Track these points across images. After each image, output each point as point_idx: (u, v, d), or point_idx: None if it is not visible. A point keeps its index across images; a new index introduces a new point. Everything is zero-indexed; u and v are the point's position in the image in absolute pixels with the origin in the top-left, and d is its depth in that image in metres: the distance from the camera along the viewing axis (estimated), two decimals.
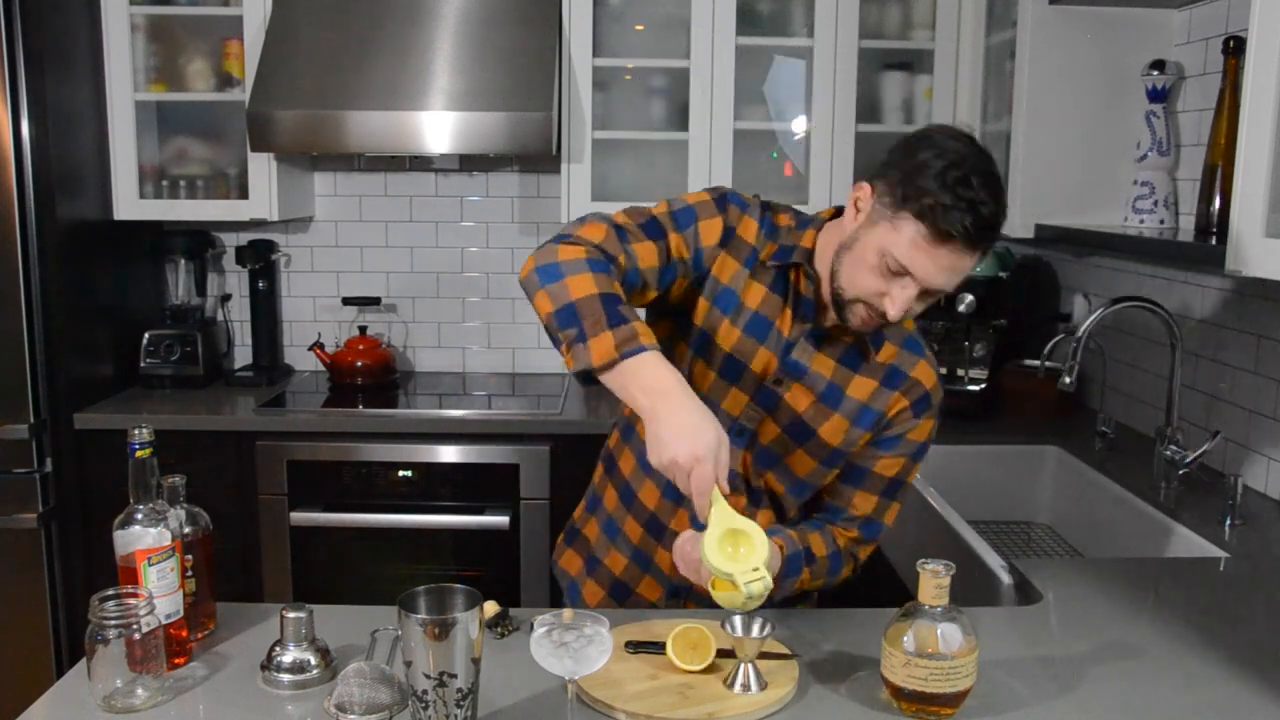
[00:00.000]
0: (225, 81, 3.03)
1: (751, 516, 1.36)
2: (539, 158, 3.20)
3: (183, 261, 3.17)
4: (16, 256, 2.60)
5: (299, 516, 2.77)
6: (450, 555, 2.79)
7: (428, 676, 1.11)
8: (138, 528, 1.29)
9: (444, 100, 2.75)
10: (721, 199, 1.48)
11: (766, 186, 2.97)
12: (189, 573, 1.36)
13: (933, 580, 1.20)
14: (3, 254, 2.59)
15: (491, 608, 1.40)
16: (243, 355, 3.33)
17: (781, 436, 1.49)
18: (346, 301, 3.27)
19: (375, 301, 3.28)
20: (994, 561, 1.76)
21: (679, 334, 1.49)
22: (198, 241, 3.18)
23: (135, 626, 1.21)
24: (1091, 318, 2.13)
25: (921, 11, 2.98)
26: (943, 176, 1.28)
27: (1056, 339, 2.56)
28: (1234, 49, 2.03)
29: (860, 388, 1.48)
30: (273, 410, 2.86)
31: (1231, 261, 1.45)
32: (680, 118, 3.00)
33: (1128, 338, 2.60)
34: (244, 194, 3.01)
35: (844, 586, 1.59)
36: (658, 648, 1.32)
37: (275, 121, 2.73)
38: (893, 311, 1.34)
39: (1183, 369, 2.19)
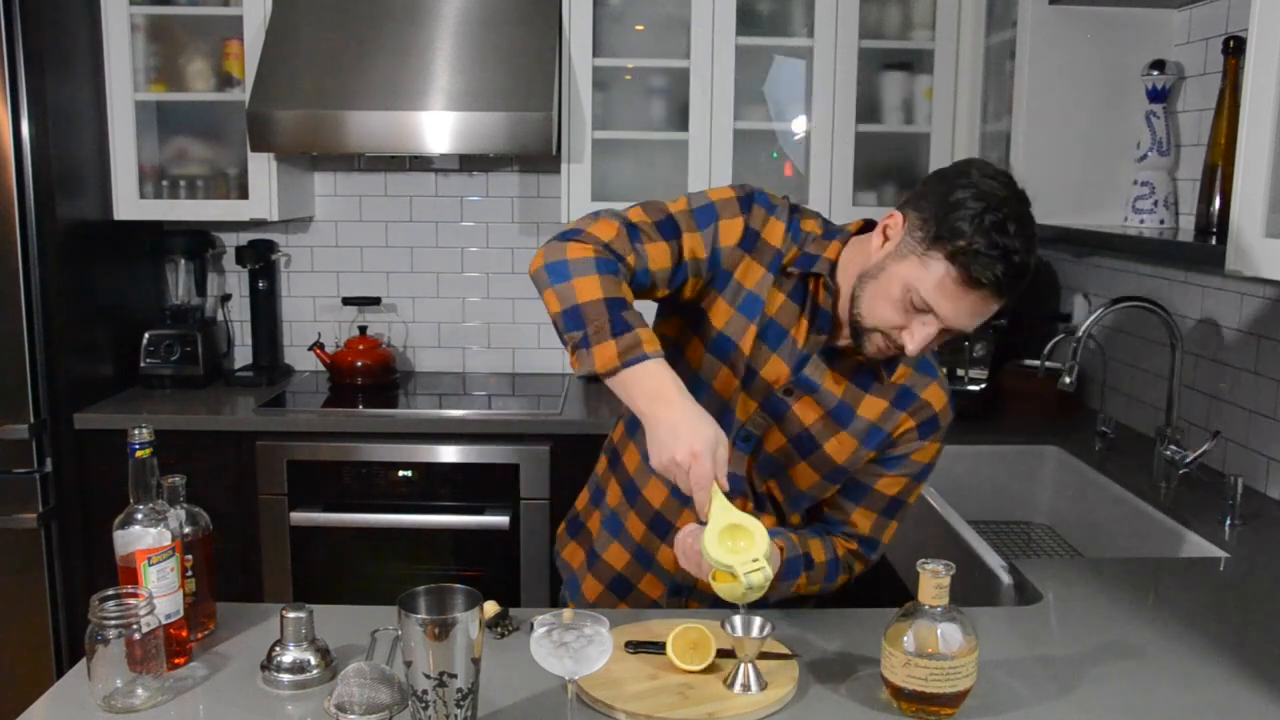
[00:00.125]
0: (225, 81, 3.03)
1: (754, 517, 1.36)
2: (539, 158, 3.20)
3: (183, 261, 3.17)
4: (16, 256, 2.60)
5: (299, 516, 2.77)
6: (450, 555, 2.79)
7: (428, 676, 1.11)
8: (138, 528, 1.29)
9: (444, 100, 2.75)
10: (747, 198, 1.45)
11: (766, 187, 2.97)
12: (189, 573, 1.36)
13: (933, 580, 1.20)
14: (3, 254, 2.59)
15: (491, 608, 1.40)
16: (243, 355, 3.33)
17: (786, 447, 1.48)
18: (346, 301, 3.27)
19: (375, 301, 3.28)
20: (994, 561, 1.76)
21: (692, 332, 1.47)
22: (198, 241, 3.18)
23: (135, 626, 1.21)
24: (1091, 318, 2.13)
25: (921, 11, 2.98)
26: (979, 220, 1.25)
27: (1056, 339, 2.56)
28: (1234, 49, 2.03)
29: (871, 408, 1.47)
30: (273, 410, 2.86)
31: (1231, 261, 1.45)
32: (680, 118, 3.00)
33: (1128, 338, 2.60)
34: (244, 194, 3.01)
35: (844, 586, 1.58)
36: (658, 648, 1.32)
37: (275, 121, 2.73)
38: (911, 346, 1.33)
39: (1183, 369, 2.19)
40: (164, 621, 1.27)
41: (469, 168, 3.30)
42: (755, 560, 1.23)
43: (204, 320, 3.20)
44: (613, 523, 1.62)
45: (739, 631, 1.26)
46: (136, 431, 1.29)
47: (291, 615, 1.29)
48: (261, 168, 2.96)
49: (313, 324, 3.35)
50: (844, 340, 1.43)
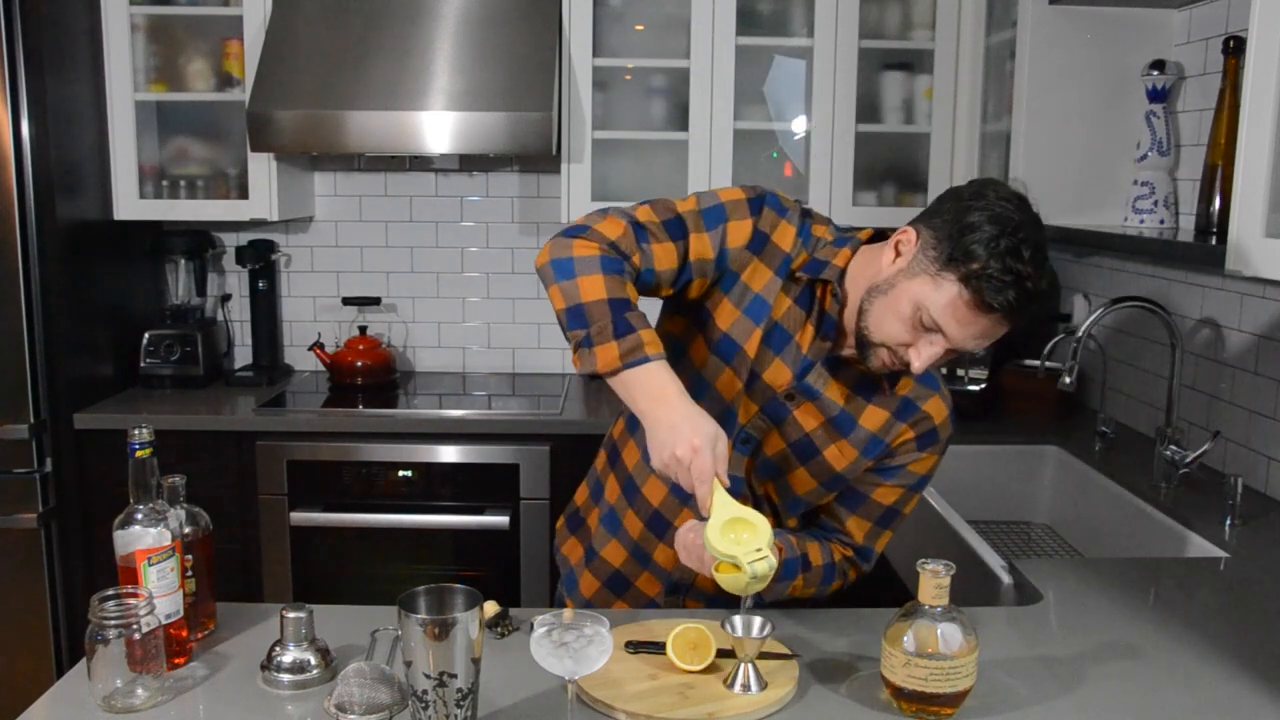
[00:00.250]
0: (225, 81, 3.03)
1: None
2: (539, 158, 3.20)
3: (183, 261, 3.17)
4: (16, 256, 2.60)
5: (299, 516, 2.77)
6: (450, 555, 2.79)
7: (428, 676, 1.11)
8: (138, 528, 1.29)
9: (444, 100, 2.75)
10: (757, 200, 1.44)
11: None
12: (189, 573, 1.36)
13: (933, 580, 1.20)
14: (3, 254, 2.59)
15: (491, 608, 1.40)
16: (243, 355, 3.33)
17: (785, 451, 1.47)
18: (346, 301, 3.27)
19: (375, 301, 3.28)
20: (994, 561, 1.76)
21: (697, 331, 1.46)
22: (198, 241, 3.18)
23: (135, 626, 1.21)
24: (1091, 318, 2.14)
25: (921, 11, 2.98)
26: (994, 244, 1.24)
27: (1056, 339, 2.56)
28: (1234, 49, 2.03)
29: (872, 418, 1.46)
30: (273, 410, 2.86)
31: (1231, 261, 1.45)
32: (680, 118, 3.00)
33: (1128, 338, 2.60)
34: (244, 194, 3.01)
35: (838, 592, 1.58)
36: (658, 648, 1.32)
37: (275, 121, 2.73)
38: (917, 364, 1.33)
39: (1183, 369, 2.19)
40: (164, 621, 1.27)
41: (469, 168, 3.30)
42: (759, 550, 1.23)
43: (204, 320, 3.20)
44: (611, 520, 1.61)
45: (739, 631, 1.26)
46: (136, 431, 1.29)
47: (291, 615, 1.29)
48: (261, 168, 2.96)
49: (313, 324, 3.35)
50: (848, 351, 1.42)
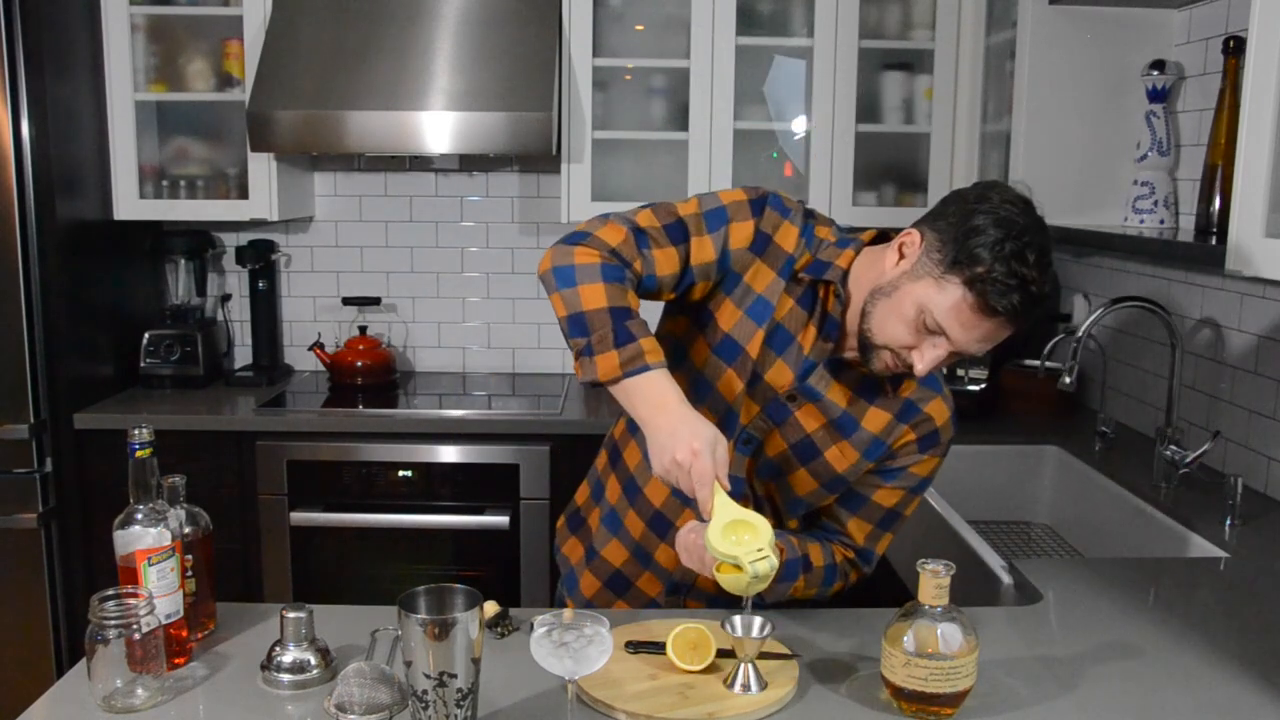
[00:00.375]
0: (225, 81, 3.03)
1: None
2: (539, 158, 3.20)
3: (183, 261, 3.17)
4: (16, 256, 2.60)
5: (299, 516, 2.77)
6: (450, 555, 2.79)
7: (428, 676, 1.11)
8: (138, 528, 1.29)
9: (444, 100, 2.75)
10: (759, 201, 1.44)
11: (766, 187, 2.97)
12: (189, 573, 1.36)
13: (933, 580, 1.20)
14: (3, 254, 2.59)
15: (491, 608, 1.40)
16: (243, 355, 3.33)
17: (786, 452, 1.47)
18: (346, 301, 3.27)
19: (375, 301, 3.28)
20: (994, 561, 1.76)
21: (698, 332, 1.46)
22: (198, 241, 3.18)
23: (135, 626, 1.21)
24: (1091, 318, 2.14)
25: (921, 11, 2.98)
26: (999, 247, 1.24)
27: (1056, 339, 2.56)
28: (1234, 49, 2.03)
29: (874, 420, 1.46)
30: (273, 410, 2.86)
31: (1231, 261, 1.45)
32: (680, 118, 3.00)
33: (1128, 338, 2.60)
34: (244, 194, 3.01)
35: (838, 593, 1.58)
36: (658, 648, 1.32)
37: (275, 121, 2.73)
38: (920, 367, 1.33)
39: (1183, 369, 2.19)
40: (164, 621, 1.27)
41: (469, 168, 3.30)
42: (760, 549, 1.23)
43: (204, 320, 3.20)
44: (612, 520, 1.61)
45: (739, 631, 1.26)
46: (136, 431, 1.29)
47: (291, 615, 1.29)
48: (261, 168, 2.96)
49: (313, 324, 3.35)
50: (850, 353, 1.42)
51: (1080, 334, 2.14)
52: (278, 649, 1.29)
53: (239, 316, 3.34)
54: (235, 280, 3.32)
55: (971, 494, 2.40)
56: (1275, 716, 1.24)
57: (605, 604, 1.63)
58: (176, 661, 1.32)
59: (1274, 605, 1.60)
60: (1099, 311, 2.15)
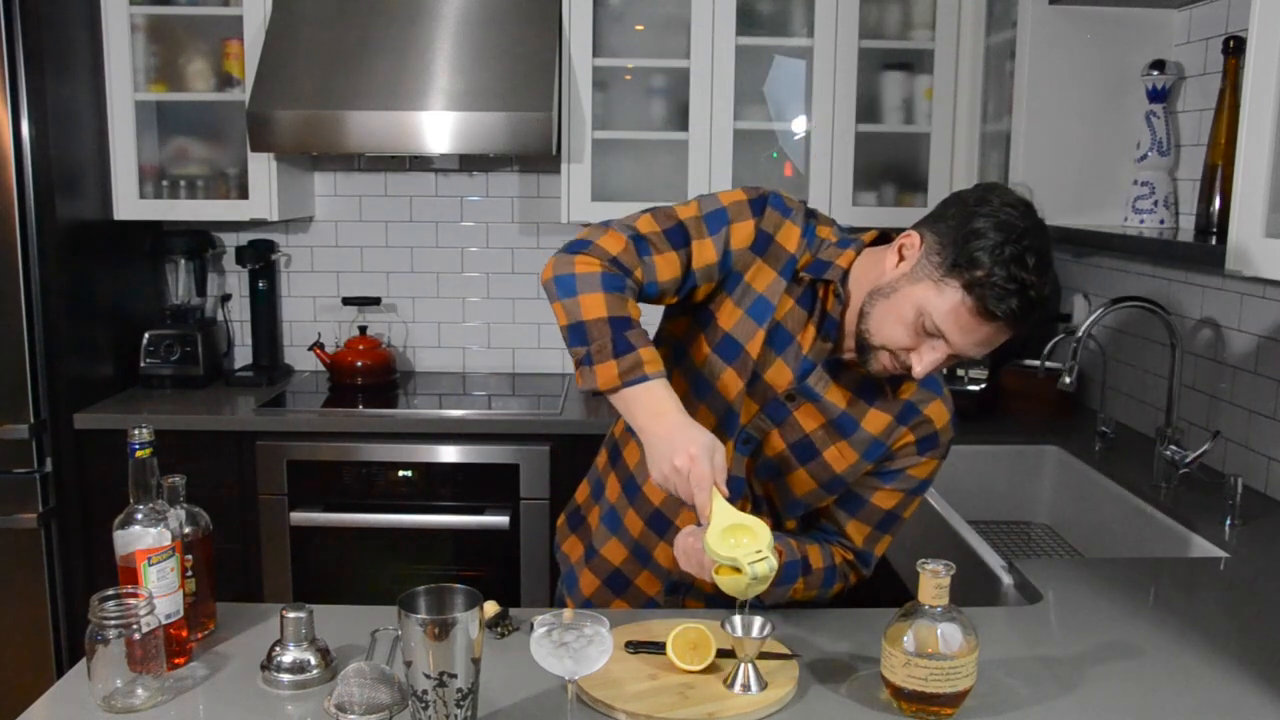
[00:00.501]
0: (225, 81, 3.03)
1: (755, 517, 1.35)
2: (539, 158, 3.20)
3: (183, 261, 3.17)
4: (16, 256, 2.60)
5: (299, 516, 2.77)
6: (450, 555, 2.79)
7: (428, 676, 1.11)
8: (138, 528, 1.29)
9: (444, 100, 2.75)
10: (759, 200, 1.44)
11: (766, 187, 2.97)
12: (189, 573, 1.36)
13: (933, 580, 1.20)
14: (3, 254, 2.59)
15: (491, 608, 1.41)
16: (243, 355, 3.33)
17: (785, 452, 1.47)
18: (346, 301, 3.27)
19: (375, 301, 3.28)
20: (994, 561, 1.77)
21: (699, 331, 1.46)
22: (198, 241, 3.18)
23: (135, 626, 1.21)
24: (1091, 318, 2.14)
25: (921, 11, 2.98)
26: (998, 250, 1.24)
27: (1056, 339, 2.56)
28: (1234, 49, 2.03)
29: (874, 421, 1.46)
30: (273, 410, 2.86)
31: (1231, 261, 1.45)
32: (680, 118, 3.00)
33: (1128, 338, 2.60)
34: (244, 194, 3.01)
35: (838, 595, 1.57)
36: (658, 648, 1.32)
37: (275, 121, 2.73)
38: (918, 369, 1.32)
39: (1183, 369, 2.19)
40: (164, 621, 1.27)
41: (469, 168, 3.30)
42: (759, 551, 1.23)
43: (204, 320, 3.20)
44: (611, 518, 1.62)
45: (739, 631, 1.26)
46: (136, 431, 1.29)
47: (291, 615, 1.29)
48: (261, 168, 2.96)
49: (313, 324, 3.35)
50: (849, 354, 1.42)
51: (1080, 334, 2.14)
52: (278, 649, 1.29)
53: (239, 316, 3.34)
54: (235, 280, 3.32)
55: (971, 494, 2.40)
56: (1275, 716, 1.24)
57: (604, 603, 1.63)
58: (176, 661, 1.32)
59: (1274, 605, 1.60)
60: (1099, 311, 2.15)
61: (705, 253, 1.41)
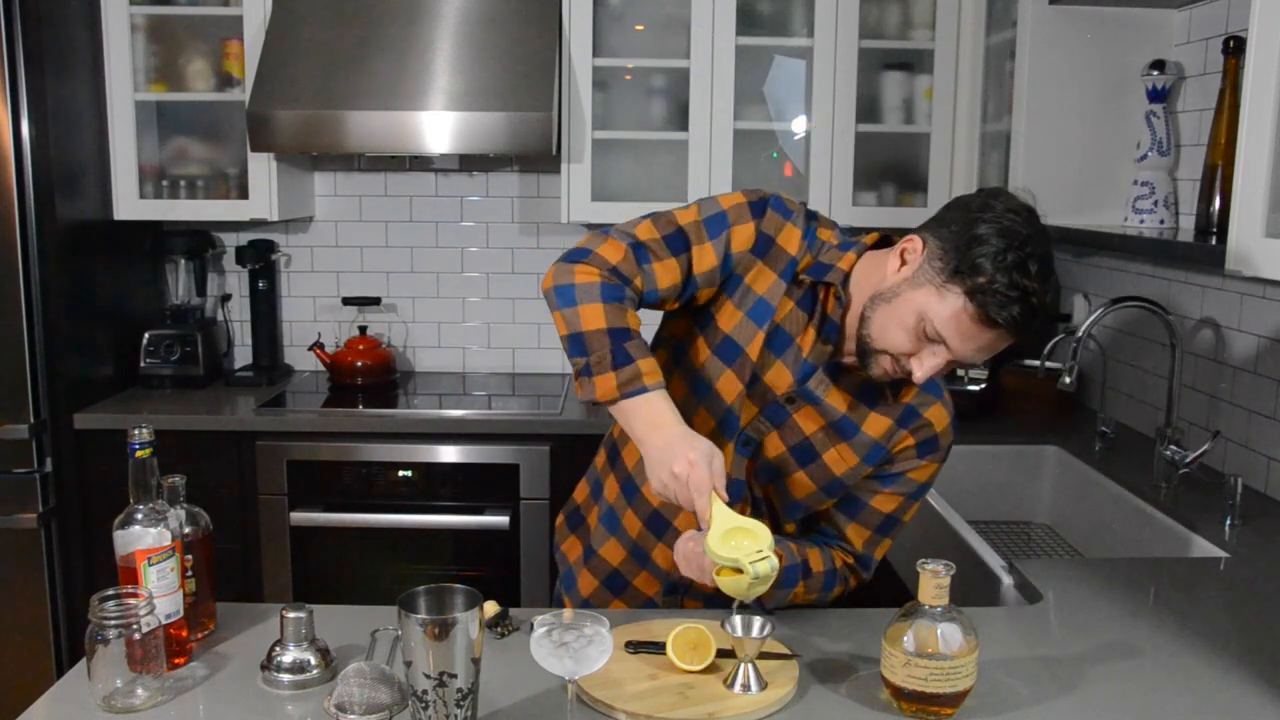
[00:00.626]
0: (225, 81, 3.03)
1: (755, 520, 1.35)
2: (539, 158, 3.20)
3: (183, 261, 3.17)
4: (16, 256, 2.60)
5: (299, 516, 2.77)
6: (450, 555, 2.79)
7: (428, 676, 1.11)
8: (138, 528, 1.29)
9: (444, 100, 2.75)
10: (760, 203, 1.44)
11: (767, 187, 2.97)
12: (189, 573, 1.36)
13: (933, 580, 1.20)
14: (3, 254, 2.59)
15: (491, 608, 1.41)
16: (243, 355, 3.33)
17: (784, 454, 1.47)
18: (346, 301, 3.27)
19: (375, 301, 3.28)
20: (994, 561, 1.77)
21: (699, 332, 1.46)
22: (198, 241, 3.18)
23: (135, 626, 1.21)
24: (1091, 318, 2.14)
25: (921, 11, 2.98)
26: (1001, 257, 1.24)
27: (1056, 339, 2.56)
28: (1234, 49, 2.03)
29: (876, 425, 1.46)
30: (273, 410, 2.86)
31: (1231, 261, 1.45)
32: (680, 118, 3.00)
33: (1128, 338, 2.60)
34: (244, 194, 3.01)
35: (838, 599, 1.57)
36: (658, 648, 1.32)
37: (275, 121, 2.73)
38: (918, 374, 1.32)
39: (1183, 369, 2.19)
40: (164, 621, 1.27)
41: (469, 168, 3.30)
42: (760, 551, 1.23)
43: (204, 320, 3.20)
44: (610, 519, 1.62)
45: (739, 631, 1.26)
46: (136, 431, 1.29)
47: (291, 615, 1.29)
48: (261, 168, 2.96)
49: (313, 324, 3.35)
50: (849, 358, 1.42)
51: (1080, 334, 2.14)
52: (278, 649, 1.29)
53: (239, 316, 3.34)
54: (235, 280, 3.32)
55: (971, 494, 2.40)
56: (1275, 716, 1.24)
57: (602, 603, 1.63)
58: (176, 661, 1.32)
59: (1274, 605, 1.60)
60: (1099, 311, 2.15)
61: (706, 258, 1.41)
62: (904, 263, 1.34)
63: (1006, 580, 1.70)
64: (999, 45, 2.75)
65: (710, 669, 1.29)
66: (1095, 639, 1.44)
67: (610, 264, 1.36)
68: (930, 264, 1.30)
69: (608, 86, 3.08)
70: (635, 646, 1.34)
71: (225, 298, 3.32)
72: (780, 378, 1.44)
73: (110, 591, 1.23)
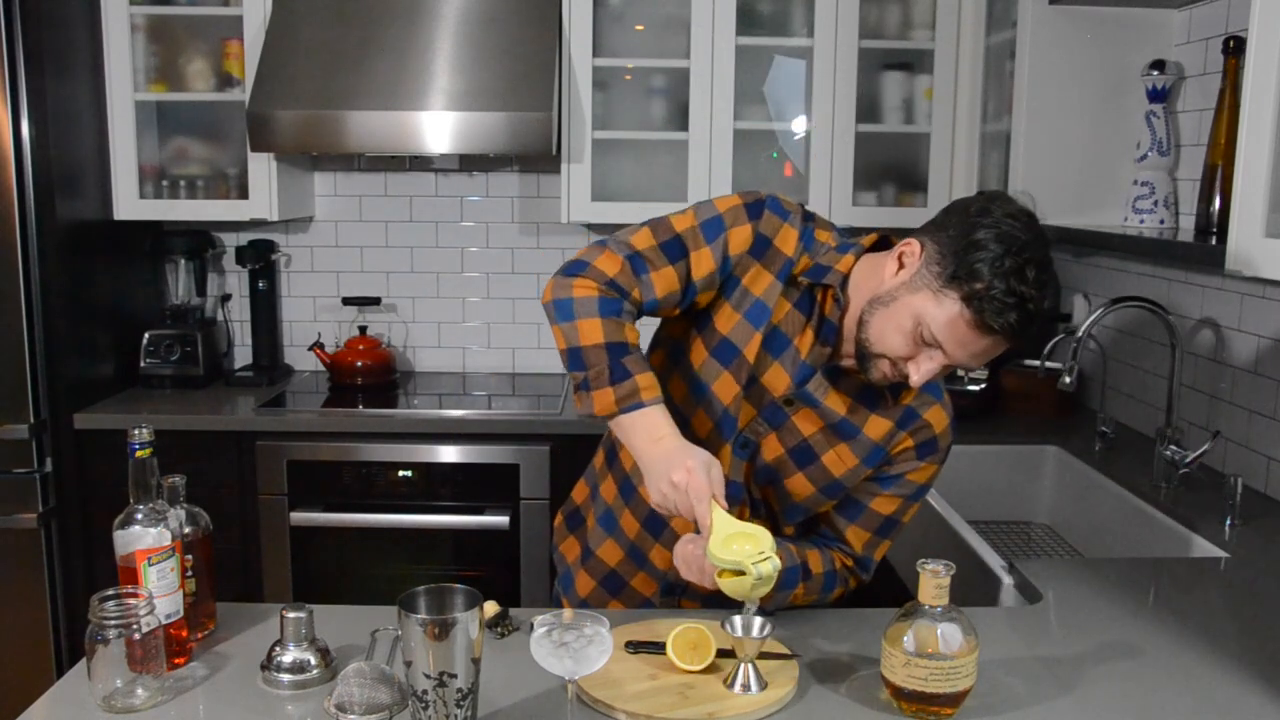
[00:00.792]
0: (225, 81, 3.03)
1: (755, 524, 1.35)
2: (539, 158, 3.20)
3: (183, 261, 3.17)
4: (16, 256, 2.60)
5: (299, 516, 2.77)
6: (450, 555, 2.79)
7: (428, 676, 1.11)
8: (138, 528, 1.29)
9: (444, 100, 2.75)
10: (756, 204, 1.43)
11: (766, 187, 2.97)
12: (189, 573, 1.36)
13: (933, 580, 1.20)
14: (3, 254, 2.59)
15: (491, 608, 1.41)
16: (243, 355, 3.33)
17: (783, 456, 1.47)
18: (346, 301, 3.27)
19: (375, 301, 3.28)
20: (994, 561, 1.77)
21: (696, 333, 1.46)
22: (198, 241, 3.18)
23: (135, 626, 1.21)
24: (1091, 318, 2.14)
25: (921, 11, 2.98)
26: (999, 263, 1.23)
27: (1056, 339, 2.56)
28: (1234, 49, 2.03)
29: (875, 427, 1.45)
30: (273, 410, 2.86)
31: (1231, 261, 1.45)
32: (680, 118, 3.00)
33: (1128, 338, 2.60)
34: (244, 194, 3.01)
35: (838, 600, 1.57)
36: (658, 648, 1.32)
37: (275, 121, 2.73)
38: (915, 378, 1.32)
39: (1183, 369, 2.19)
40: (164, 621, 1.27)
41: (469, 168, 3.30)
42: (762, 552, 1.23)
43: (204, 320, 3.20)
44: (607, 519, 1.62)
45: (739, 631, 1.26)
46: (136, 431, 1.29)
47: (291, 615, 1.29)
48: (261, 168, 2.96)
49: (313, 324, 3.35)
50: (848, 360, 1.41)
51: (1080, 334, 2.14)
52: (278, 649, 1.29)
53: (239, 316, 3.34)
54: (235, 280, 3.32)
55: (971, 494, 2.40)
56: (1275, 716, 1.24)
57: (600, 603, 1.63)
58: (176, 661, 1.32)
59: (1274, 605, 1.60)
60: (1099, 311, 2.15)
61: (704, 263, 1.41)
62: (902, 266, 1.33)
63: (1006, 580, 1.70)
64: (999, 45, 2.75)
65: (710, 669, 1.29)
66: (1095, 639, 1.44)
67: (608, 277, 1.36)
68: (928, 268, 1.30)
69: (608, 86, 3.08)
70: (635, 646, 1.34)
71: (225, 298, 3.32)
72: (778, 379, 1.43)
73: (110, 591, 1.23)
